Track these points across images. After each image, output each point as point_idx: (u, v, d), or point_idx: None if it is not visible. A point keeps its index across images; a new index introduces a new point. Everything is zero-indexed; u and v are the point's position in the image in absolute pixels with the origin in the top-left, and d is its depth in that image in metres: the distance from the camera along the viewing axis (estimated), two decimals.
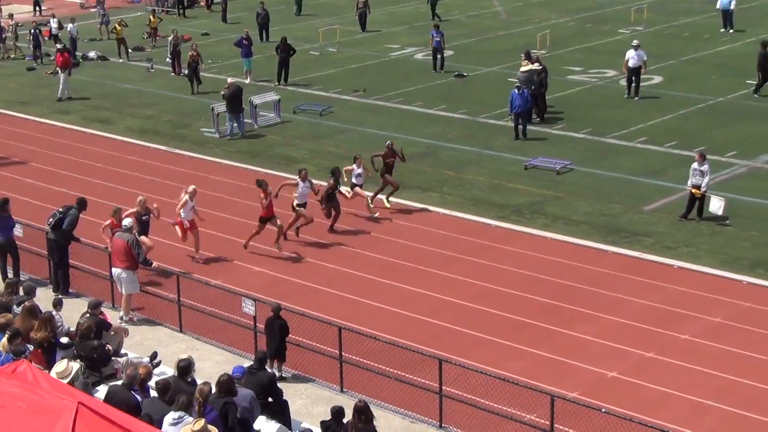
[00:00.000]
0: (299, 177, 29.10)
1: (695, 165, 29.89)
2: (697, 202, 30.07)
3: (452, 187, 33.54)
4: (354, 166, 30.88)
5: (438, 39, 47.42)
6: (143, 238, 26.30)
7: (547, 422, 18.97)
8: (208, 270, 27.42)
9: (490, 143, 37.74)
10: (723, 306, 25.02)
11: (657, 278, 26.63)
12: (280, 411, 19.10)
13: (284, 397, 19.57)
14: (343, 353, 21.63)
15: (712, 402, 21.03)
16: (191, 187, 28.05)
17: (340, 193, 30.31)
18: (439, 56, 47.69)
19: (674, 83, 44.64)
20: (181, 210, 27.74)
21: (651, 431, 18.30)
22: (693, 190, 29.94)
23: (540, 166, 34.97)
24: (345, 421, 17.67)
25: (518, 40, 53.12)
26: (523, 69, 39.75)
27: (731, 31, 54.28)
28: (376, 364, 21.76)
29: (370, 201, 31.20)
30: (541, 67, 39.85)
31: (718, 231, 29.37)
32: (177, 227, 28.03)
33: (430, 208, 31.80)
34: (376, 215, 30.96)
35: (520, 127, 37.98)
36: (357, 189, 30.80)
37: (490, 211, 31.41)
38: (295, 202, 28.94)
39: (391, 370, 21.54)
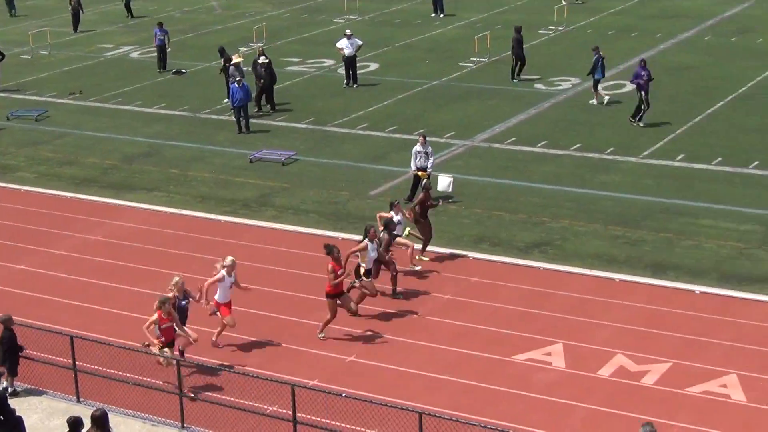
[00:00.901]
0: (367, 237, 24.04)
1: (418, 147, 30.56)
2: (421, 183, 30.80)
3: (178, 186, 33.15)
4: (392, 213, 26.07)
5: (162, 37, 46.75)
6: (181, 331, 21.42)
7: (290, 412, 19.01)
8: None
9: (214, 138, 37.51)
10: (452, 282, 25.72)
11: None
12: (14, 428, 18.39)
13: (18, 413, 18.85)
14: (77, 362, 21.02)
15: (447, 376, 21.58)
16: (228, 259, 22.68)
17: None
18: (163, 54, 46.99)
19: (390, 69, 45.57)
20: (215, 288, 22.67)
21: (390, 411, 18.63)
22: (419, 173, 30.62)
23: (265, 158, 35.01)
24: (83, 431, 17.19)
25: (235, 34, 53.05)
26: (234, 62, 39.59)
27: (442, 15, 55.86)
28: (112, 371, 21.28)
29: (419, 255, 27.08)
30: (267, 60, 39.86)
31: (442, 210, 30.15)
32: (218, 312, 22.84)
33: (158, 208, 31.32)
34: (417, 267, 26.68)
35: (243, 120, 37.91)
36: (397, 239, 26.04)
37: (218, 206, 31.23)
38: (364, 268, 24.05)
39: (129, 375, 21.12)
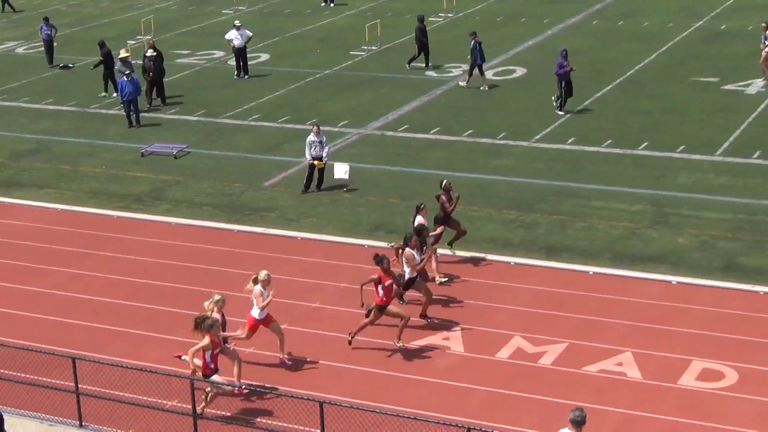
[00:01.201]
0: (410, 245, 22.95)
1: (312, 137, 30.50)
2: (316, 173, 30.75)
3: (69, 182, 32.64)
4: (419, 217, 24.54)
5: (48, 32, 46.01)
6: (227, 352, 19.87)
7: (189, 406, 18.83)
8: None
9: (104, 133, 37.01)
10: (348, 271, 25.71)
11: (283, 251, 27.04)
12: None
13: None
14: None
15: (347, 365, 21.57)
16: (263, 273, 21.15)
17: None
18: (50, 49, 46.18)
19: (281, 59, 45.41)
20: (262, 302, 21.03)
21: (291, 401, 18.59)
22: (316, 162, 30.55)
23: (157, 152, 34.65)
24: None
25: (123, 27, 52.42)
26: (121, 56, 39.00)
27: (332, 5, 55.81)
28: (6, 371, 20.86)
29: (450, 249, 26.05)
30: (156, 53, 39.41)
31: (338, 199, 30.19)
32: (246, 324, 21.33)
33: (48, 205, 30.80)
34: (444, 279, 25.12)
35: (133, 114, 37.45)
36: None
37: (110, 202, 30.83)
38: (407, 277, 22.87)
39: (24, 375, 20.74)
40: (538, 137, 34.46)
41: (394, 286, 21.96)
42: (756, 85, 38.76)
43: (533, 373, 21.06)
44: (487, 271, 25.47)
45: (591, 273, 25.19)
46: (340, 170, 30.81)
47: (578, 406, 15.84)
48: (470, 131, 35.25)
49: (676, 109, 36.64)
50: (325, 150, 30.58)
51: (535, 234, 27.48)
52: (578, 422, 15.34)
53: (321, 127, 31.11)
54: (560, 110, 36.57)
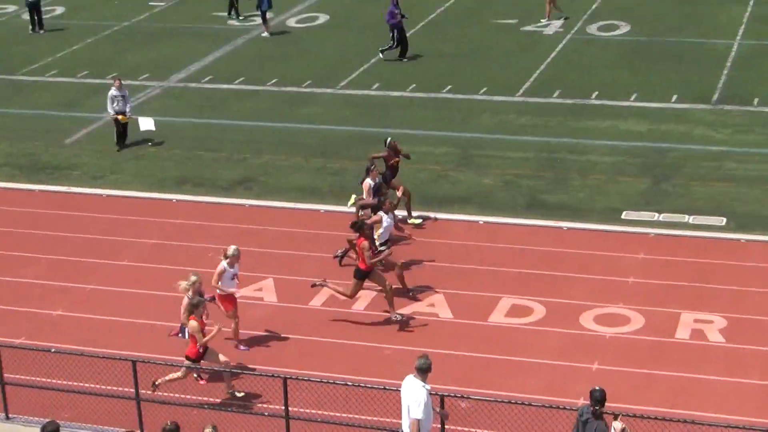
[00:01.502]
0: (383, 209, 22.37)
1: (114, 92, 29.79)
2: (122, 128, 30.12)
3: None
4: (368, 180, 23.58)
5: None
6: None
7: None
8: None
9: None
10: (156, 227, 25.32)
11: (89, 210, 26.44)
12: None
13: None
14: None
15: (157, 321, 21.19)
16: (231, 249, 19.78)
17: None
18: None
19: (78, 12, 44.14)
20: (219, 282, 19.65)
21: (102, 362, 18.25)
22: (119, 117, 29.87)
23: None
24: None
25: None
26: None
27: None
28: None
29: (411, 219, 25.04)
30: None
31: (142, 154, 29.66)
32: (220, 305, 19.99)
33: None
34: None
35: None
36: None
37: None
38: (378, 241, 22.04)
39: None
40: (343, 84, 34.49)
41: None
42: (554, 25, 39.58)
43: (347, 319, 21.18)
44: (296, 220, 25.43)
45: (400, 217, 25.38)
46: (146, 124, 30.28)
47: (424, 354, 15.85)
48: (275, 80, 35.03)
49: (478, 51, 37.14)
50: (129, 104, 29.96)
51: (344, 180, 27.51)
52: (423, 370, 15.40)
53: (123, 81, 30.44)
54: (382, 54, 36.53)
